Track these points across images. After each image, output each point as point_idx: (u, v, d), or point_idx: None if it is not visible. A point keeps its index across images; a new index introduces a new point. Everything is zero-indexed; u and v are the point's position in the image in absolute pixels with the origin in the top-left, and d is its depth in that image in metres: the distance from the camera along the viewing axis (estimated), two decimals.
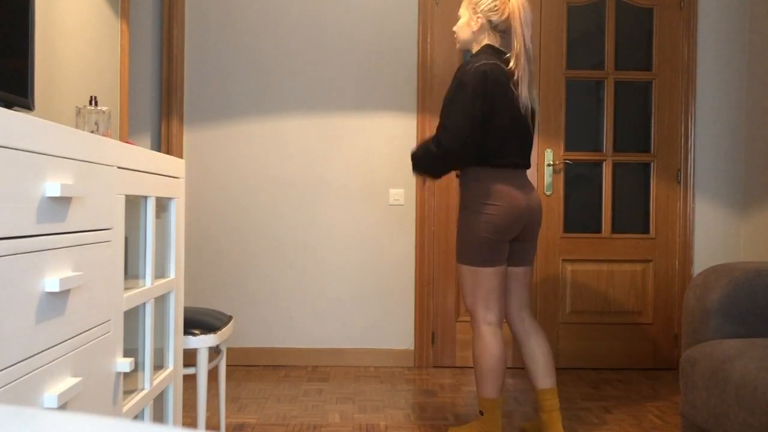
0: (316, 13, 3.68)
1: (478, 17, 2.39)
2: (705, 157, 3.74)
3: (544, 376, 2.42)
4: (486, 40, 2.40)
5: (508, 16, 2.35)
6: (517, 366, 3.67)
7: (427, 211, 3.66)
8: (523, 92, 2.33)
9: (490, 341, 2.35)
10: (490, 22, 2.38)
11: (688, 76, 3.72)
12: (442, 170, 2.44)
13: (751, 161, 3.67)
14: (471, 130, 2.27)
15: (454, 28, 2.51)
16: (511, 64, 2.33)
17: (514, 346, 3.67)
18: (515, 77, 2.32)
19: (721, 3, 3.74)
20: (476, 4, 2.39)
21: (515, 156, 2.38)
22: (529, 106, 2.38)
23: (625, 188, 3.79)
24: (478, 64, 2.28)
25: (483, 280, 2.35)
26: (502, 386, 2.38)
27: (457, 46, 2.52)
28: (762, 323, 1.93)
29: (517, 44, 2.32)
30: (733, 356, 1.71)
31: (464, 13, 2.44)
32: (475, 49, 2.43)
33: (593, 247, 3.72)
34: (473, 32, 2.41)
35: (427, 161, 2.41)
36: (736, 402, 1.63)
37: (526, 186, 2.40)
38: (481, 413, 2.39)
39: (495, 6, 2.36)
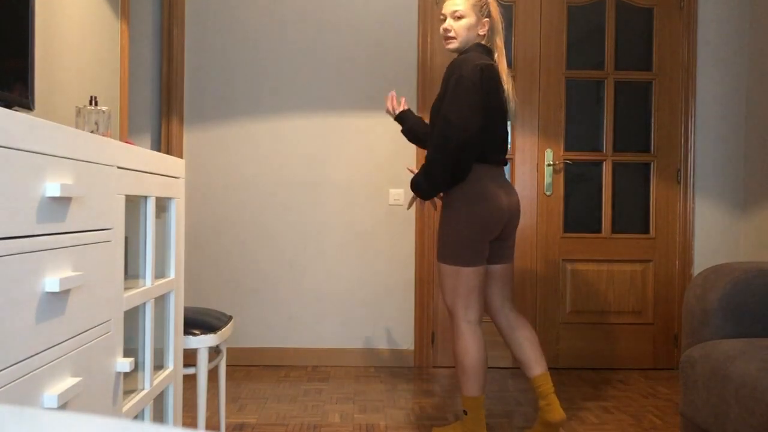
0: (316, 12, 3.68)
1: (486, 20, 2.40)
2: (705, 157, 3.74)
3: (534, 364, 2.46)
4: (484, 41, 2.44)
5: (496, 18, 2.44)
6: (517, 366, 3.66)
7: (426, 211, 3.66)
8: (509, 88, 2.41)
9: (471, 339, 2.38)
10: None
11: (688, 76, 3.72)
12: (452, 173, 2.31)
13: (751, 161, 3.67)
14: (476, 120, 2.26)
15: (455, 27, 2.38)
16: (502, 61, 2.41)
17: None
18: (501, 74, 2.40)
19: (721, 3, 3.74)
20: (482, 6, 2.39)
21: (501, 152, 2.44)
22: (512, 102, 2.45)
23: (625, 188, 3.78)
24: (476, 63, 2.29)
25: (464, 279, 2.36)
26: (484, 384, 2.40)
27: (453, 45, 2.40)
28: (762, 323, 1.93)
29: (500, 41, 2.42)
30: (733, 356, 1.71)
31: (470, 14, 2.37)
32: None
33: (593, 247, 3.72)
34: (478, 35, 2.41)
35: (435, 168, 2.29)
36: (736, 402, 1.63)
37: (506, 185, 2.44)
38: (465, 413, 2.41)
39: (497, 9, 2.44)
